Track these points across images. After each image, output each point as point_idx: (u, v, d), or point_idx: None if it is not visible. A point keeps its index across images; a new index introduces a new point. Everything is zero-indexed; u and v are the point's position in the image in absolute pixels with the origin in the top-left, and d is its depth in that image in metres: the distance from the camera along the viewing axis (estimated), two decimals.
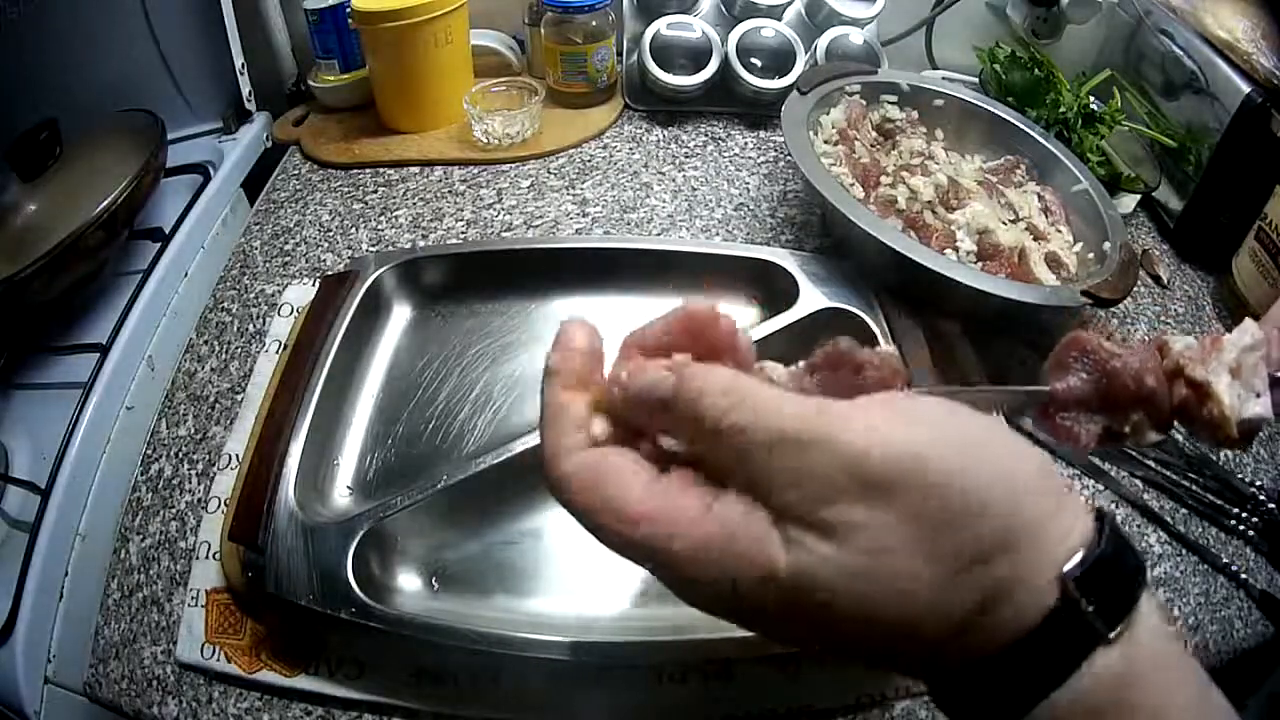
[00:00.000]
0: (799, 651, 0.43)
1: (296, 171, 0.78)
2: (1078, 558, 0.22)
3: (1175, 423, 0.30)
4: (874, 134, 0.70)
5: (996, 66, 0.78)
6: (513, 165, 0.77)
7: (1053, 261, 0.59)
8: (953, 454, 0.22)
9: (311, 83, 0.83)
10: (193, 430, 0.56)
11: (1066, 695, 0.21)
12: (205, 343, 0.61)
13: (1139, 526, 0.52)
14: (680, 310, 0.25)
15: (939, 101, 0.71)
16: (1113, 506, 0.53)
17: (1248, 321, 0.30)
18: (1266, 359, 0.30)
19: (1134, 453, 0.55)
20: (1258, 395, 0.29)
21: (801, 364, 0.26)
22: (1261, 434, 0.57)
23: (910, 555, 0.21)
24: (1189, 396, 0.29)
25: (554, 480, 0.24)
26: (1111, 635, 0.22)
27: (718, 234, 0.69)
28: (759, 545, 0.22)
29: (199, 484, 0.53)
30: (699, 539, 0.22)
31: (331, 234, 0.70)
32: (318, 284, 0.59)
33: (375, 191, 0.74)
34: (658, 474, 0.23)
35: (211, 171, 0.75)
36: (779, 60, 0.79)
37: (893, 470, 0.21)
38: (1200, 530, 0.52)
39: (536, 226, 0.70)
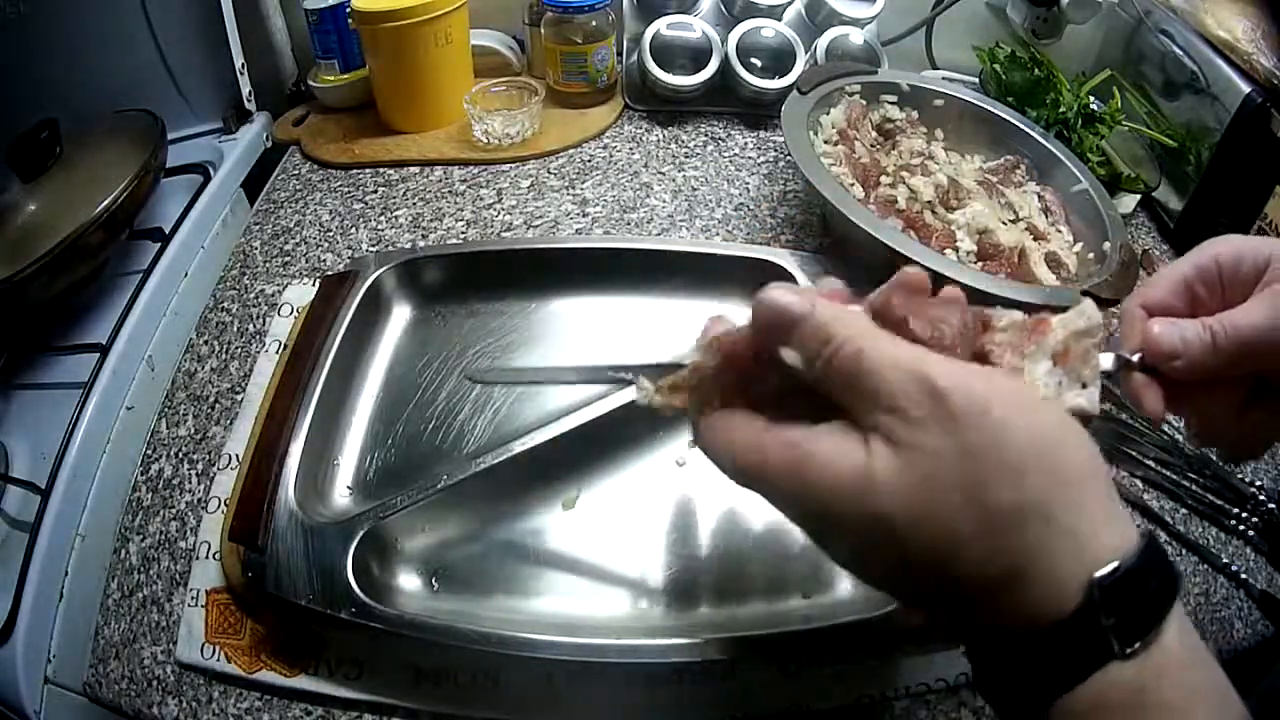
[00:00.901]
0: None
1: (296, 171, 0.78)
2: (1111, 566, 0.23)
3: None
4: (874, 134, 0.70)
5: (996, 66, 0.78)
6: (513, 165, 0.77)
7: (1053, 261, 0.59)
8: (1017, 414, 0.24)
9: (311, 83, 0.83)
10: (193, 430, 0.56)
11: (1083, 695, 0.23)
12: (205, 343, 0.61)
13: (1139, 527, 0.52)
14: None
15: (939, 101, 0.71)
16: None
17: (1087, 302, 0.27)
18: (1107, 344, 0.27)
19: (1134, 453, 0.55)
20: (1084, 386, 0.26)
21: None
22: None
23: (956, 486, 0.23)
24: None
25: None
26: (1128, 651, 0.23)
27: (718, 234, 0.69)
28: (845, 453, 0.25)
29: (199, 484, 0.53)
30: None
31: (331, 234, 0.70)
32: (318, 284, 0.59)
33: (375, 191, 0.74)
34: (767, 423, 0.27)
35: (211, 171, 0.74)
36: (779, 60, 0.79)
37: (963, 407, 0.24)
38: (1200, 530, 0.52)
39: (536, 226, 0.70)
